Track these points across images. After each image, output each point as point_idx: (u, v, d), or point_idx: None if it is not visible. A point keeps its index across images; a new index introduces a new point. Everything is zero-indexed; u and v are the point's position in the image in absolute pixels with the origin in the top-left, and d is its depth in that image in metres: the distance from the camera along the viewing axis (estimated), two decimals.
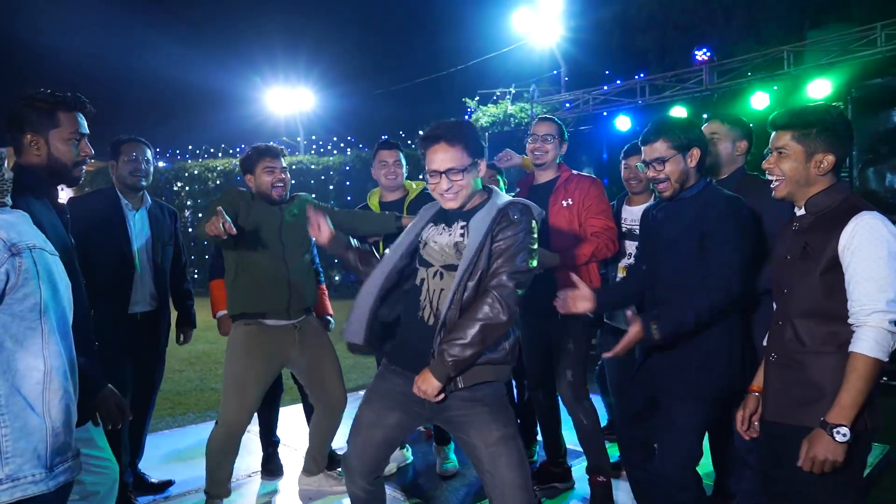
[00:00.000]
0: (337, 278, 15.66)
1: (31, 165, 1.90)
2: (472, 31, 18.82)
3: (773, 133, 1.91)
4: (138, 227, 2.99)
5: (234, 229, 2.48)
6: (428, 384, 1.94)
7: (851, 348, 1.68)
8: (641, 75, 9.08)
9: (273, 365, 2.88)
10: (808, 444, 1.70)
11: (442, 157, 2.04)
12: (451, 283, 1.98)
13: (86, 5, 25.41)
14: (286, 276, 2.84)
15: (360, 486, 2.17)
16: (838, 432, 1.64)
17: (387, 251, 2.22)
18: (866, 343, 1.65)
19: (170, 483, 3.16)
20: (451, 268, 2.04)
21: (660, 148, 2.25)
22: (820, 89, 6.02)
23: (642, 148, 2.34)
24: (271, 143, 3.02)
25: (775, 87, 6.74)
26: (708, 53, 7.04)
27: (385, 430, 2.14)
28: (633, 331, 2.17)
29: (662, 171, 2.26)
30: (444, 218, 2.17)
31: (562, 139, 3.11)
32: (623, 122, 7.85)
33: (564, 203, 3.03)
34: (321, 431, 3.08)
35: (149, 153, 3.04)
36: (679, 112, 7.31)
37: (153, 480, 3.14)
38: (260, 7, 33.22)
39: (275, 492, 3.23)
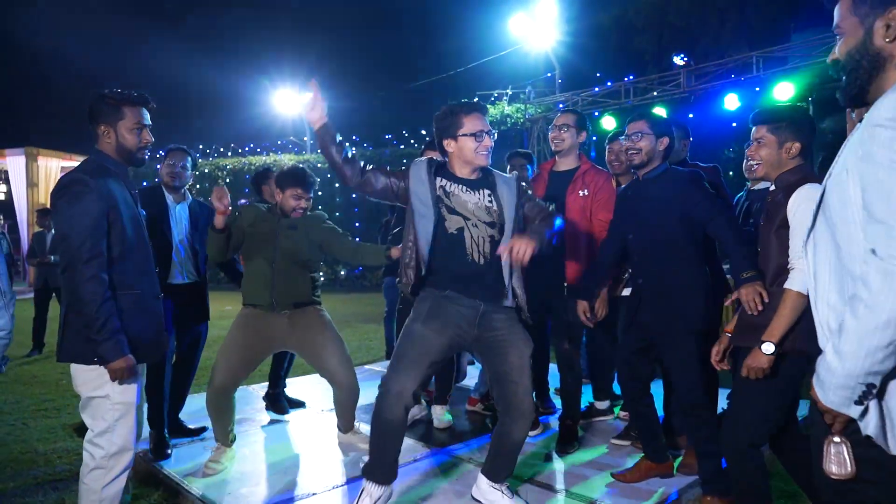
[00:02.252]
0: (343, 273, 16.21)
1: (104, 152, 2.33)
2: (471, 36, 19.36)
3: (753, 127, 2.38)
4: (178, 217, 3.57)
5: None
6: (528, 245, 2.37)
7: (784, 285, 2.19)
8: (630, 77, 9.61)
9: (262, 342, 3.28)
10: (747, 358, 2.24)
11: (484, 120, 2.56)
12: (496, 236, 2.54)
13: (102, 12, 26.07)
14: (271, 278, 3.27)
15: (406, 404, 2.45)
16: (766, 346, 2.19)
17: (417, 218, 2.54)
18: (794, 281, 2.16)
19: (203, 429, 3.73)
20: (487, 224, 2.55)
21: (640, 125, 2.86)
22: (784, 92, 6.53)
23: (629, 123, 2.89)
24: (301, 168, 3.38)
25: (757, 89, 7.25)
26: (685, 59, 7.55)
27: (432, 355, 2.51)
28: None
29: (638, 142, 2.84)
30: (452, 178, 2.60)
31: (579, 128, 3.43)
32: (608, 122, 8.39)
33: (581, 193, 3.37)
34: (339, 403, 3.48)
35: (188, 160, 3.59)
36: (659, 112, 7.84)
37: (190, 426, 3.72)
38: (268, 13, 33.84)
39: (278, 433, 3.77)
